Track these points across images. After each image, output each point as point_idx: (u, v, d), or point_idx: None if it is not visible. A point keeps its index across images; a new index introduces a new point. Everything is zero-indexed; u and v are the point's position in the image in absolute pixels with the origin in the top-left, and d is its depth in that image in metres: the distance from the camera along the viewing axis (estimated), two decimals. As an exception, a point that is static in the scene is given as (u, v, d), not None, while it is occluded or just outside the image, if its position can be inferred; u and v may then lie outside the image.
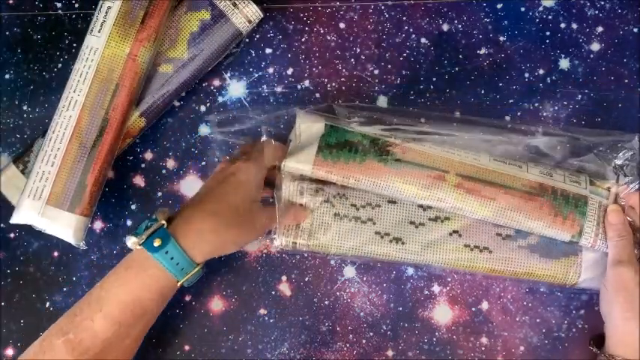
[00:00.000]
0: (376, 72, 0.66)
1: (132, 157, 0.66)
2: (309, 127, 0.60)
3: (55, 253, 0.65)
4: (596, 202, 0.59)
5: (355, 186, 0.60)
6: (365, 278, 0.64)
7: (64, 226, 0.59)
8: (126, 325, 0.53)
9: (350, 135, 0.60)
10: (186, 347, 0.64)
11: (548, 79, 0.66)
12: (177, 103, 0.66)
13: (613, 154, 0.62)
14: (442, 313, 0.64)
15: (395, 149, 0.59)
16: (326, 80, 0.66)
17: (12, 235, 0.65)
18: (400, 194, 0.60)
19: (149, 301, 0.54)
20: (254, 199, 0.58)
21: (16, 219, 0.59)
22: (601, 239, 0.59)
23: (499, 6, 0.67)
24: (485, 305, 0.64)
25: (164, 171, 0.66)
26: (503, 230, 0.60)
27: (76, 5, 0.67)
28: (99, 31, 0.60)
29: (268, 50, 0.67)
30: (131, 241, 0.54)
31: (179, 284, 0.55)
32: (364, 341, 0.64)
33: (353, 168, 0.59)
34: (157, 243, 0.52)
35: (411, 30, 0.67)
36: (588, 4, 0.67)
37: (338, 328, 0.64)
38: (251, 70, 0.67)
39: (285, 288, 0.64)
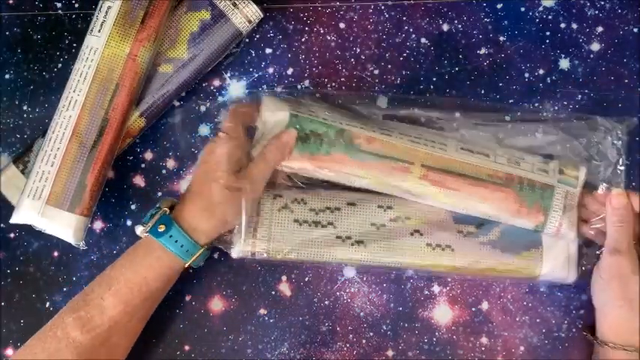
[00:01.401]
0: (376, 72, 0.66)
1: (132, 157, 0.66)
2: (273, 115, 0.59)
3: (55, 253, 0.65)
4: (563, 191, 0.59)
5: (322, 177, 0.60)
6: (365, 278, 0.64)
7: (64, 226, 0.59)
8: (132, 304, 0.56)
9: (315, 125, 0.59)
10: (186, 347, 0.64)
11: (548, 79, 0.66)
12: (177, 103, 0.66)
13: (582, 140, 0.62)
14: (442, 313, 0.64)
15: (361, 140, 0.59)
16: (326, 80, 0.66)
17: (12, 235, 0.65)
18: (365, 186, 0.60)
19: (155, 282, 0.56)
20: (233, 169, 0.57)
21: (16, 219, 0.59)
22: (565, 227, 0.59)
23: (499, 6, 0.67)
24: (485, 305, 0.64)
25: (164, 171, 0.66)
26: (464, 227, 0.60)
27: (76, 5, 0.67)
28: (99, 31, 0.60)
29: (268, 50, 0.67)
30: (139, 230, 0.57)
31: (186, 265, 0.57)
32: (364, 341, 0.64)
33: (319, 159, 0.59)
34: (161, 229, 0.56)
35: (411, 30, 0.67)
36: (588, 4, 0.67)
37: (338, 328, 0.64)
38: (251, 70, 0.67)
39: (285, 288, 0.64)
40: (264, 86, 0.66)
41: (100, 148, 0.60)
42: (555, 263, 0.60)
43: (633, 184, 0.64)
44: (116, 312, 0.55)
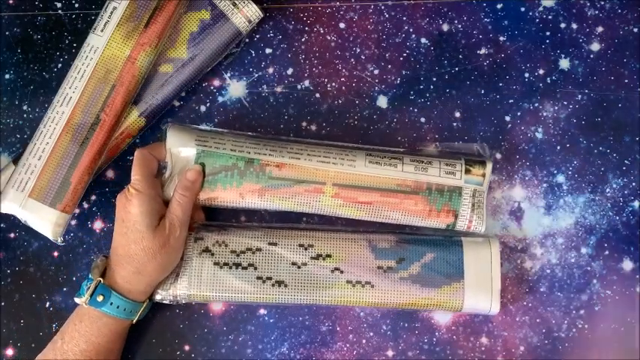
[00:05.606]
0: (376, 72, 0.66)
1: (132, 157, 0.66)
2: (180, 152, 0.60)
3: (55, 253, 0.65)
4: (471, 190, 0.61)
5: (237, 207, 0.61)
6: (365, 278, 0.64)
7: (44, 220, 0.59)
8: None
9: (224, 158, 0.60)
10: (186, 347, 0.64)
11: (548, 79, 0.66)
12: (177, 103, 0.66)
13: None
14: (442, 313, 0.64)
15: (271, 167, 0.60)
16: (326, 80, 0.66)
17: (12, 235, 0.65)
18: (284, 209, 0.61)
19: (109, 344, 0.58)
20: (152, 225, 0.57)
21: None
22: (475, 222, 0.61)
23: (499, 6, 0.67)
24: (485, 305, 0.64)
25: (164, 170, 0.66)
26: (384, 263, 0.60)
27: (76, 5, 0.67)
28: (101, 31, 0.60)
29: (268, 50, 0.67)
30: (79, 301, 0.58)
31: (134, 322, 0.59)
32: (364, 341, 0.64)
33: (232, 192, 0.60)
34: (100, 299, 0.57)
35: (411, 30, 0.67)
36: (588, 4, 0.67)
37: (338, 328, 0.64)
38: (251, 70, 0.67)
39: (285, 288, 0.64)
40: (264, 86, 0.66)
41: (88, 147, 0.60)
42: (477, 296, 0.60)
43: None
44: None
